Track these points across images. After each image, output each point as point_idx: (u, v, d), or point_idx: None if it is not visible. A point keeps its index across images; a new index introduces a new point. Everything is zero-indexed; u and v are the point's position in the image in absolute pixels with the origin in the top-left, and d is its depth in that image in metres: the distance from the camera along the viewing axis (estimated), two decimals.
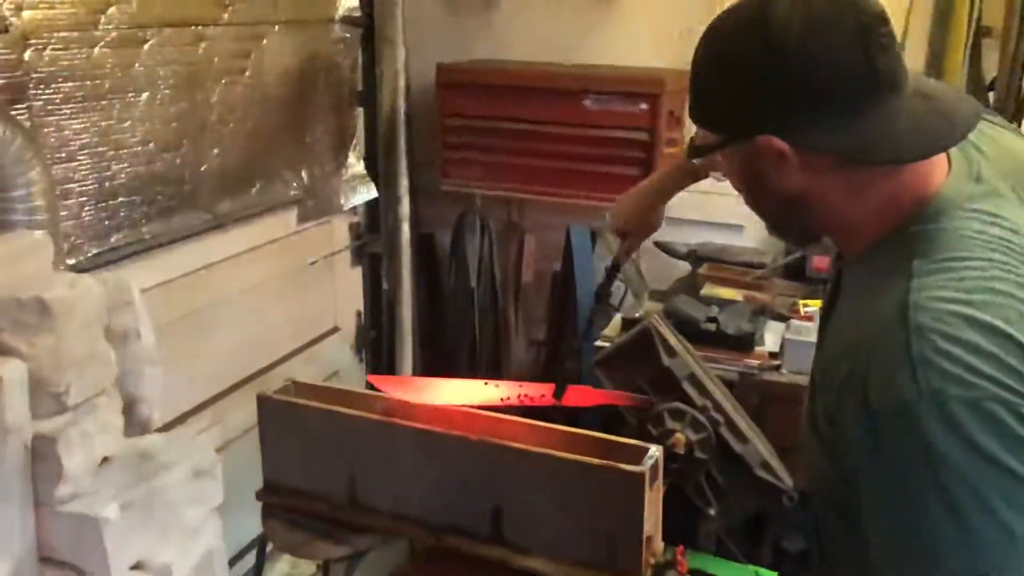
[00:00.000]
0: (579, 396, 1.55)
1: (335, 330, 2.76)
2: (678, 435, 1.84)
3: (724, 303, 2.17)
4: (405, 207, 2.87)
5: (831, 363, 0.98)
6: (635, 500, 1.47)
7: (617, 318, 2.21)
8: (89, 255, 1.79)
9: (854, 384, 0.90)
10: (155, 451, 1.42)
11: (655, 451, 1.54)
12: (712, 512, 1.79)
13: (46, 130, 1.67)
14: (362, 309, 2.86)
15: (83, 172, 1.77)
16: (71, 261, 1.74)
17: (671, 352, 1.88)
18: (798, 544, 1.80)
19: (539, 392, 1.53)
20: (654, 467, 1.52)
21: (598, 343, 2.11)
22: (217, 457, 1.54)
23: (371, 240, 2.85)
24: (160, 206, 1.97)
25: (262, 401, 1.90)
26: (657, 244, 2.58)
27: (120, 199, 1.87)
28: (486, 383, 1.56)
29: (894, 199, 0.98)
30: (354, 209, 2.75)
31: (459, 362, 3.01)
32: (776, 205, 1.04)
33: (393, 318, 2.89)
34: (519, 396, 1.51)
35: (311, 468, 1.88)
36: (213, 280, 2.21)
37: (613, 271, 1.64)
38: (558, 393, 1.52)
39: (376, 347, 2.96)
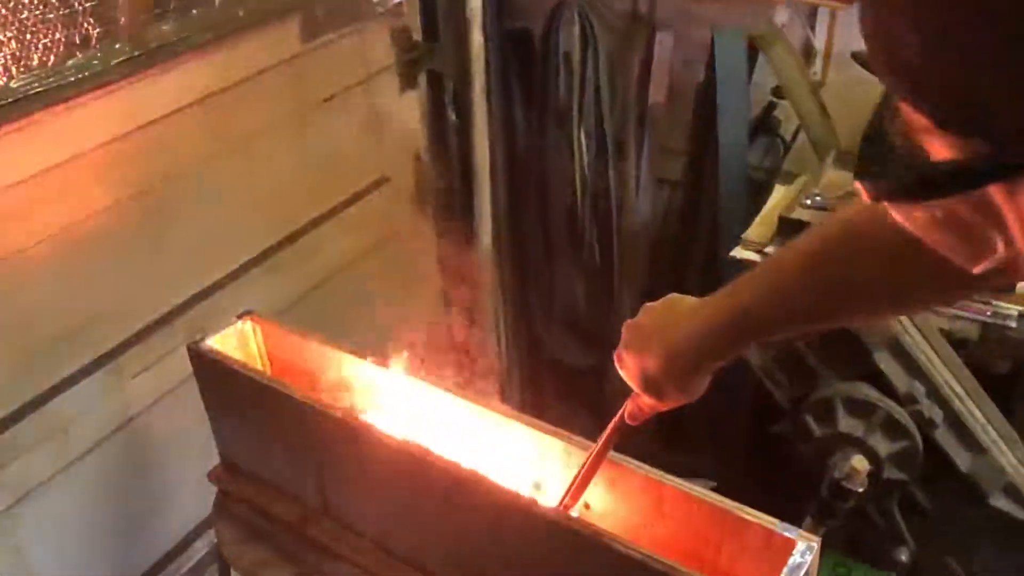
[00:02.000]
0: None
1: (383, 181, 2.03)
2: (856, 462, 1.07)
3: None
4: None
5: None
6: None
7: (770, 205, 1.34)
8: None
9: None
10: None
11: (806, 550, 0.81)
12: (903, 557, 1.09)
13: None
14: (422, 151, 2.10)
15: None
16: None
17: None
18: None
19: None
20: None
21: (736, 253, 1.28)
22: None
23: (428, 52, 2.02)
24: (30, 43, 1.26)
25: (193, 355, 1.27)
26: (856, 57, 1.61)
27: None
28: None
29: None
30: (399, 7, 1.92)
31: (555, 212, 2.25)
32: None
33: (465, 160, 2.14)
34: None
35: (270, 454, 1.28)
36: (165, 142, 1.52)
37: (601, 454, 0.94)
38: None
39: (447, 200, 2.23)
